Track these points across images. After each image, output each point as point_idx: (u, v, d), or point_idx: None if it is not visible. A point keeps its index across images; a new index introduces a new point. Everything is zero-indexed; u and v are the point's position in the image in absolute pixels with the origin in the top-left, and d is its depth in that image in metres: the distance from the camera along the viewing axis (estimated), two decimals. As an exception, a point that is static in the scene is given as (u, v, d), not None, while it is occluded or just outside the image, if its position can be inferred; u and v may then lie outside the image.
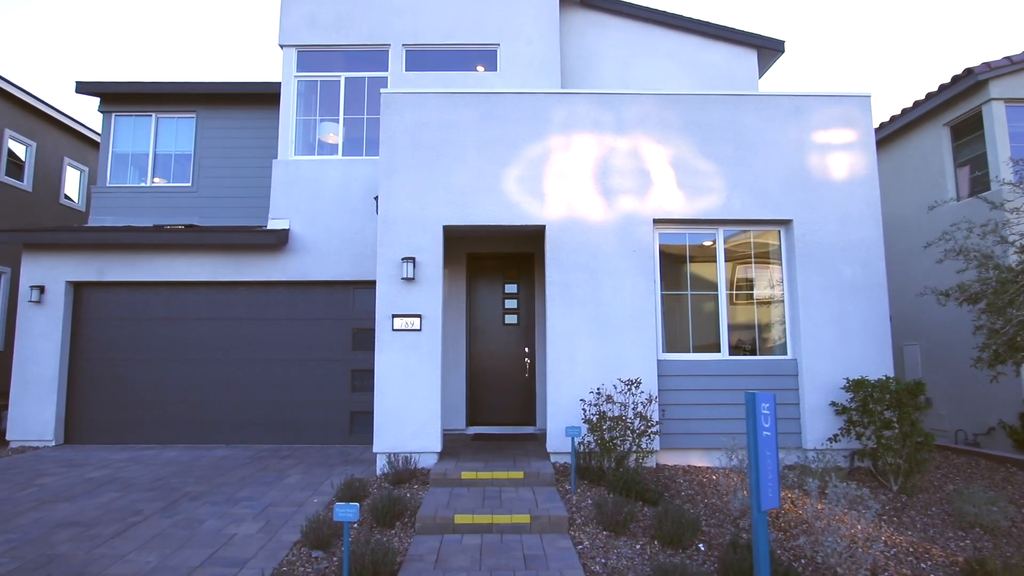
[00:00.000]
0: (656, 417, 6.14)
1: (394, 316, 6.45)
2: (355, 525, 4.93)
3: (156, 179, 10.07)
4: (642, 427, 5.76)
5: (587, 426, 5.84)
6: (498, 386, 8.41)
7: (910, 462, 5.77)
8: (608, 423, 5.73)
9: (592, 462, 5.95)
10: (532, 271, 8.54)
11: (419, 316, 6.45)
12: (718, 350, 6.73)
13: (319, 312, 8.64)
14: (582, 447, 6.04)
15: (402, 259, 6.45)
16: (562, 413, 6.34)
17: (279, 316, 8.65)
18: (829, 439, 6.28)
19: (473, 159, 6.71)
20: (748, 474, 3.86)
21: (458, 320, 8.40)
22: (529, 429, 8.26)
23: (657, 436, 6.07)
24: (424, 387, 6.38)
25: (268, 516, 5.23)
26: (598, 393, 5.96)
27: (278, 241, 8.39)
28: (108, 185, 9.96)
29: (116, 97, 10.04)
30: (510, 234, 7.85)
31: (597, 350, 6.43)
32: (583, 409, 5.98)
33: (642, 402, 5.93)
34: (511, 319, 8.53)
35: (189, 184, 9.90)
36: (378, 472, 6.31)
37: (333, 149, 9.06)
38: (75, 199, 13.21)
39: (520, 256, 8.58)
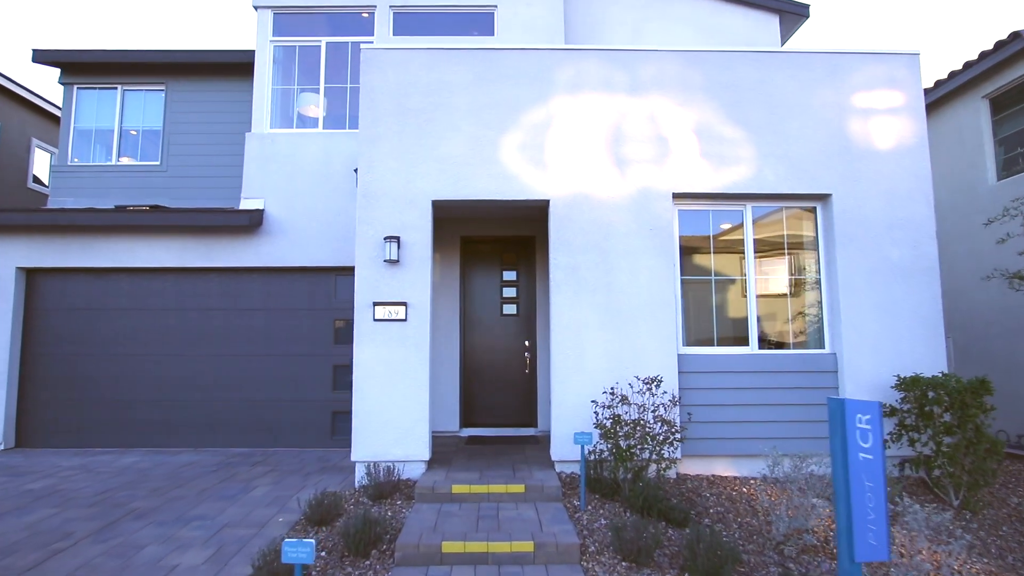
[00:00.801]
0: (679, 421, 5.26)
1: (375, 304, 5.54)
2: (321, 554, 4.04)
3: (123, 159, 9.12)
4: (664, 433, 4.87)
5: (599, 432, 4.95)
6: (495, 383, 7.52)
7: (975, 473, 4.90)
8: (625, 428, 4.83)
9: (604, 472, 5.07)
10: (533, 256, 7.63)
11: (404, 304, 5.54)
12: (745, 343, 5.84)
13: (297, 301, 7.72)
14: (593, 455, 5.16)
15: (385, 239, 5.53)
16: (569, 415, 5.45)
17: (253, 306, 7.74)
18: (876, 445, 5.41)
19: (467, 125, 5.79)
20: (835, 511, 2.98)
21: (451, 310, 7.50)
22: (530, 431, 7.37)
23: (680, 443, 5.18)
24: (410, 385, 5.48)
25: (221, 541, 4.33)
26: (612, 393, 5.06)
27: (251, 222, 7.46)
28: (69, 164, 9.00)
29: (78, 67, 9.07)
30: (509, 213, 6.94)
31: (609, 343, 5.54)
32: (595, 412, 5.08)
33: (664, 403, 5.04)
34: (510, 309, 7.63)
35: (158, 163, 8.95)
36: (356, 484, 5.42)
37: (313, 123, 8.13)
38: (46, 183, 12.23)
39: (519, 240, 7.67)
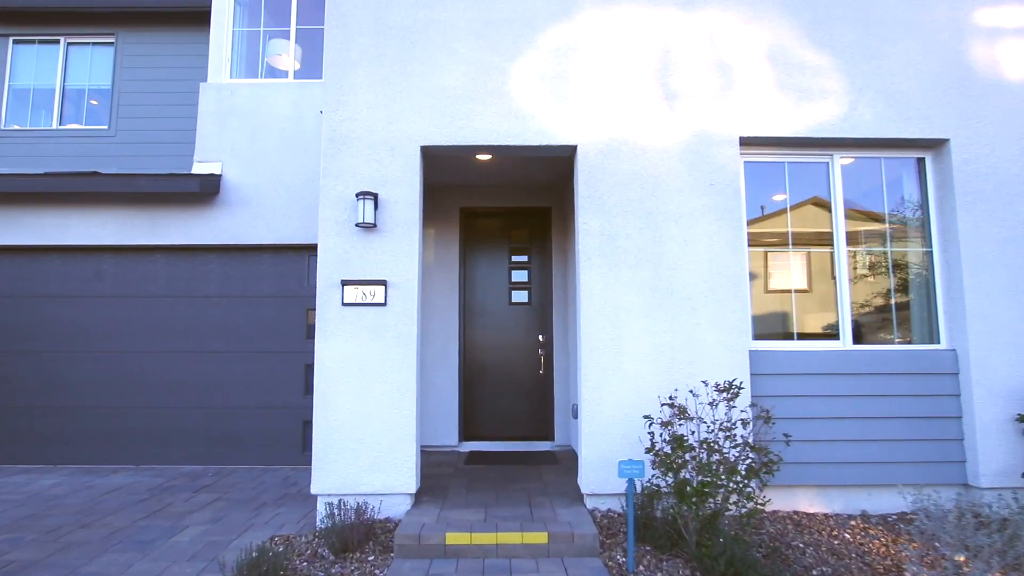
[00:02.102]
0: (750, 438, 3.77)
1: (344, 283, 4.08)
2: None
3: (72, 124, 7.67)
4: (752, 461, 3.38)
5: (654, 458, 3.47)
6: (503, 387, 6.06)
7: None
8: (694, 456, 3.34)
9: (656, 510, 3.60)
10: (548, 232, 6.17)
11: (383, 283, 4.08)
12: (835, 336, 4.37)
13: (263, 287, 6.26)
14: (638, 484, 3.69)
15: (358, 196, 4.07)
16: (603, 432, 3.98)
17: (209, 292, 6.28)
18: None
19: (467, 48, 4.32)
20: None
21: (448, 298, 6.04)
22: (545, 445, 5.91)
23: (770, 476, 3.70)
24: (391, 391, 4.02)
25: (102, 625, 2.88)
26: (671, 405, 3.56)
27: (203, 189, 6.00)
28: (4, 129, 7.56)
29: (14, 16, 7.61)
30: (520, 175, 5.49)
31: (658, 336, 4.07)
32: (649, 432, 3.57)
33: (742, 419, 3.55)
34: (520, 296, 6.16)
35: (106, 127, 7.49)
36: (318, 524, 3.96)
37: (284, 75, 6.67)
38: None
39: (532, 212, 6.21)
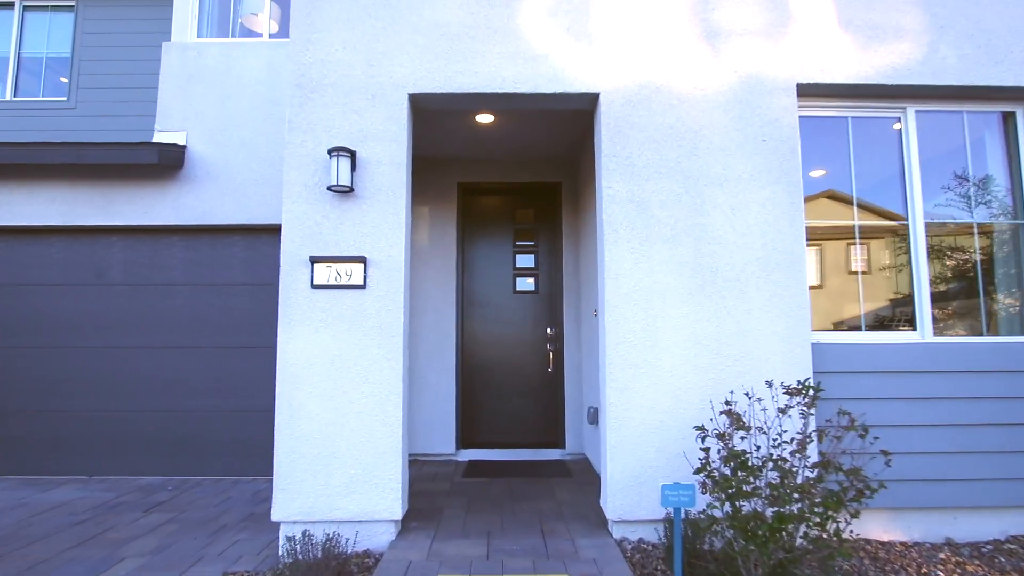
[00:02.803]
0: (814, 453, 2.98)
1: (315, 261, 3.29)
2: None
3: (28, 96, 6.85)
4: (848, 487, 2.56)
5: (706, 479, 2.67)
6: (506, 387, 5.28)
7: None
8: (758, 479, 2.54)
9: (702, 542, 2.82)
10: (557, 211, 5.39)
11: (362, 261, 3.29)
12: (910, 326, 3.59)
13: (234, 274, 5.46)
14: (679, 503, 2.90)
15: (330, 152, 3.28)
16: (633, 443, 3.20)
17: (172, 280, 5.48)
18: None
19: (465, -23, 3.53)
20: None
21: (444, 285, 5.26)
22: (555, 454, 5.13)
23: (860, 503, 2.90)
24: (372, 394, 3.23)
25: None
26: (727, 409, 2.75)
27: (165, 162, 5.20)
28: (-48, 101, 6.75)
29: (-38, -24, 6.81)
30: (526, 148, 4.71)
31: (700, 325, 3.28)
32: (704, 449, 2.74)
33: (824, 430, 2.75)
34: (526, 284, 5.38)
35: (65, 99, 6.68)
36: (281, 554, 3.16)
37: (258, 36, 5.88)
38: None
39: (541, 189, 5.42)
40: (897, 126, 3.69)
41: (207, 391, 5.34)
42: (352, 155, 3.30)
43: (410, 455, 5.11)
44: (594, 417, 4.47)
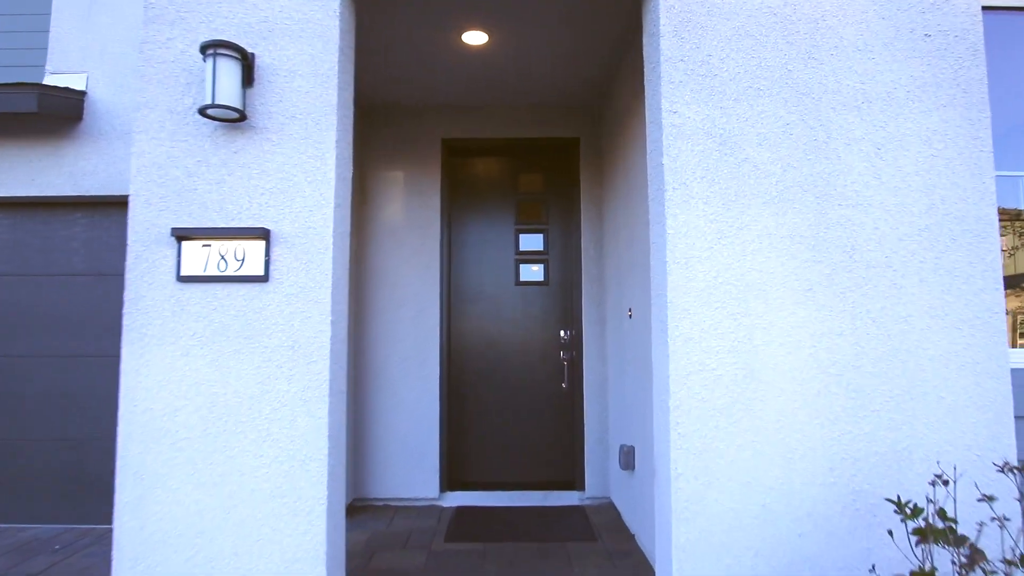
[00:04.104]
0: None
1: (181, 236, 1.94)
2: None
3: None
4: None
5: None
6: (506, 408, 3.95)
7: None
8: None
9: None
10: (574, 176, 4.01)
11: (263, 235, 1.94)
12: None
13: (153, 261, 4.12)
14: None
15: (204, 51, 1.92)
16: (718, 545, 1.86)
17: (73, 269, 4.15)
18: None
19: None
20: None
21: (425, 275, 3.90)
22: (571, 498, 3.80)
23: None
24: (278, 460, 1.89)
25: None
26: (939, 478, 1.42)
27: (57, 110, 3.85)
28: None
29: None
30: (533, 89, 3.33)
31: (825, 342, 1.93)
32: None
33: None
34: (533, 273, 4.02)
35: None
36: None
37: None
38: None
39: (552, 146, 4.05)
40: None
41: (114, 414, 4.02)
42: (244, 57, 1.94)
43: (379, 500, 3.80)
44: (629, 461, 3.15)
